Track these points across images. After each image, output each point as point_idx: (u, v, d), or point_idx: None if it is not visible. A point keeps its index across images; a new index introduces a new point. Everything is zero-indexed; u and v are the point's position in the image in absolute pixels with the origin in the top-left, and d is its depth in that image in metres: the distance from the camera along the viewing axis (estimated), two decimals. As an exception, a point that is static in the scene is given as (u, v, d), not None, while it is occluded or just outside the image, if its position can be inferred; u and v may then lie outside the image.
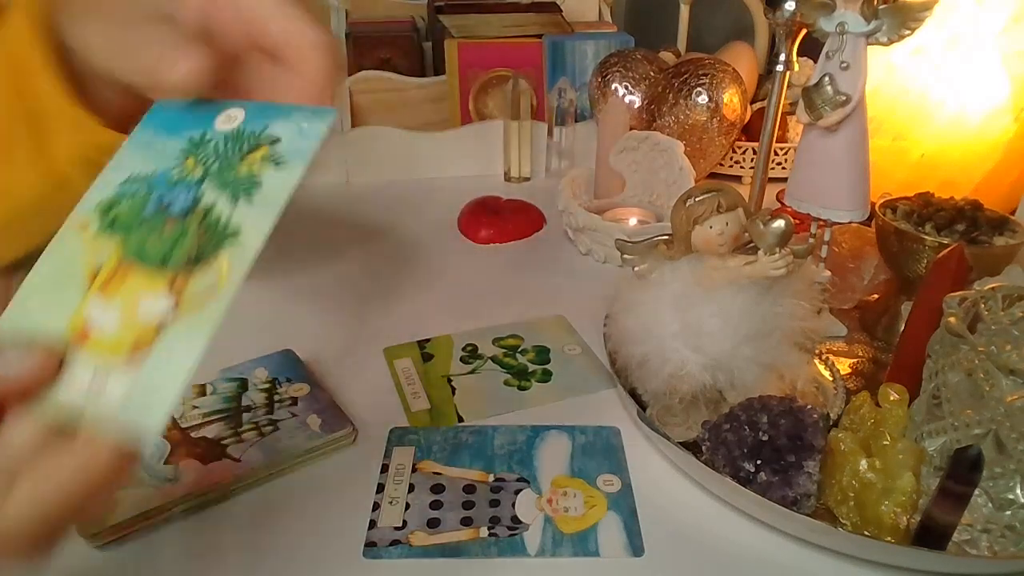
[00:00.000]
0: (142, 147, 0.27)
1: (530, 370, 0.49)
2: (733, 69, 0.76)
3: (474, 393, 0.46)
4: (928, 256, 0.48)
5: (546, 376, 0.48)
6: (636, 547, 0.35)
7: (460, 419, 0.44)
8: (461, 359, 0.50)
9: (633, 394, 0.43)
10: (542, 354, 0.51)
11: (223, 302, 0.23)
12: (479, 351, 0.51)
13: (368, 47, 0.90)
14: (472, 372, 0.49)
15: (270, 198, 0.24)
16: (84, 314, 0.23)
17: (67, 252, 0.25)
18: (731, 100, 0.74)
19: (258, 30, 0.28)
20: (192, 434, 0.41)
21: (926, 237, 0.48)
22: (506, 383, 0.48)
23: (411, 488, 0.39)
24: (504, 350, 0.51)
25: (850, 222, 0.50)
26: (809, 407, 0.37)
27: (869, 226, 0.54)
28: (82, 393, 0.22)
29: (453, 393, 0.46)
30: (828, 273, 0.53)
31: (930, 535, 0.33)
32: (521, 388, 0.47)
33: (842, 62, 0.45)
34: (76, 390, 0.22)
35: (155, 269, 0.24)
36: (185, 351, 0.22)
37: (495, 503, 0.38)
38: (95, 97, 0.32)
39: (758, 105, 0.83)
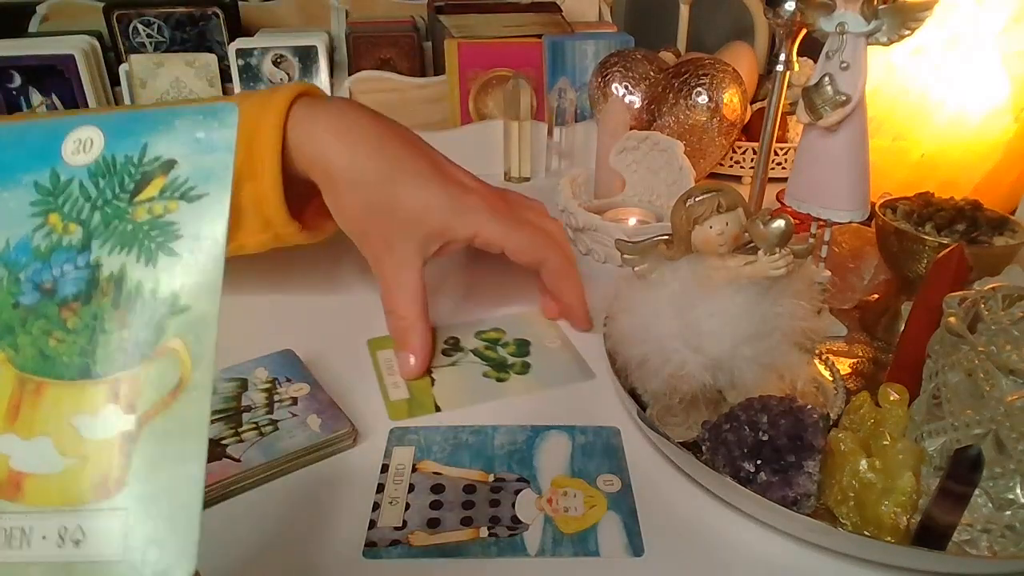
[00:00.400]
0: None
1: (509, 362, 0.50)
2: (733, 69, 0.76)
3: (453, 384, 0.47)
4: (928, 256, 0.48)
5: (524, 368, 0.49)
6: (636, 547, 0.35)
7: (438, 408, 0.45)
8: (443, 351, 0.51)
9: (633, 394, 0.43)
10: (522, 347, 0.52)
11: (199, 391, 0.18)
12: (461, 344, 0.52)
13: (368, 47, 0.90)
14: (452, 364, 0.49)
15: (202, 247, 0.19)
16: (2, 460, 0.18)
17: None
18: (731, 100, 0.74)
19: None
20: (192, 434, 0.40)
21: (926, 237, 0.48)
22: (485, 375, 0.48)
23: (411, 488, 0.39)
24: (485, 343, 0.52)
25: (850, 222, 0.50)
26: (809, 407, 0.37)
27: (869, 226, 0.54)
28: (55, 555, 0.17)
29: (432, 384, 0.47)
30: (828, 273, 0.52)
31: (930, 535, 0.33)
32: (499, 380, 0.48)
33: (842, 62, 0.45)
34: (45, 554, 0.17)
35: (78, 382, 0.18)
36: (177, 460, 0.17)
37: (495, 503, 0.38)
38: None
39: (758, 105, 0.83)
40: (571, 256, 0.50)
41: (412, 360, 0.47)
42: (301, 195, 0.47)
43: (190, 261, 0.19)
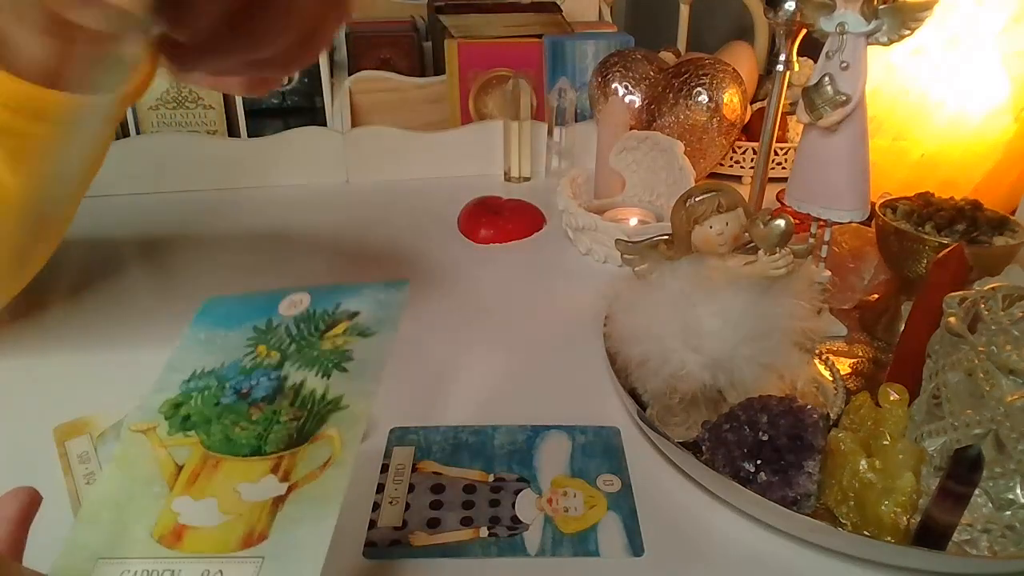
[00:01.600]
0: (200, 344, 0.27)
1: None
2: (733, 69, 0.76)
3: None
4: (928, 256, 0.48)
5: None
6: (636, 547, 0.35)
7: None
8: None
9: (633, 394, 0.43)
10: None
11: (344, 467, 0.22)
12: None
13: (368, 47, 0.90)
14: None
15: (367, 363, 0.25)
16: (172, 516, 0.22)
17: (135, 460, 0.24)
18: (731, 100, 0.74)
19: None
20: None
21: (926, 237, 0.48)
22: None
23: (411, 488, 0.39)
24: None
25: (850, 222, 0.50)
26: (809, 407, 0.37)
27: (869, 226, 0.54)
28: None
29: None
30: (828, 273, 0.52)
31: (930, 535, 0.33)
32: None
33: (842, 62, 0.45)
34: None
35: (250, 458, 0.23)
36: (316, 519, 0.21)
37: (495, 503, 0.38)
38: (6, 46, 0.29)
39: (758, 105, 0.83)
40: None
41: None
42: None
43: (354, 373, 0.25)
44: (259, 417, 0.24)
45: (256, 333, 0.27)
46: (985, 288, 0.38)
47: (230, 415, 0.24)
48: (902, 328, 0.46)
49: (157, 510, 0.22)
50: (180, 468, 0.23)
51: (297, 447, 0.23)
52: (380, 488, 0.39)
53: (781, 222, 0.36)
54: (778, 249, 0.37)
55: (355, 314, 0.26)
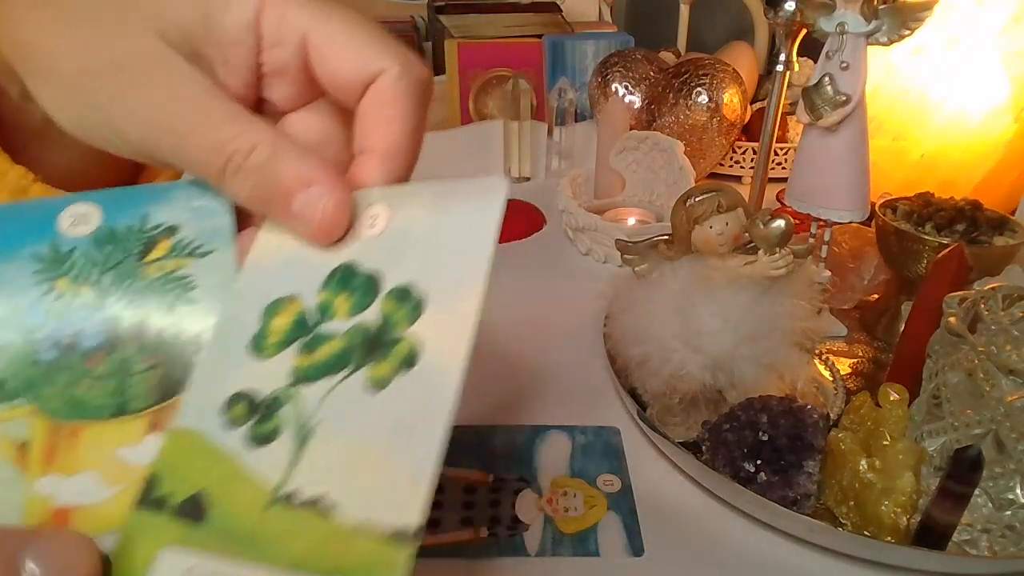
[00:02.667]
0: None
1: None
2: (733, 69, 0.76)
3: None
4: (928, 256, 0.48)
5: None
6: (636, 547, 0.35)
7: None
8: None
9: (633, 394, 0.43)
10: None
11: None
12: None
13: (368, 47, 0.90)
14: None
15: (217, 294, 0.21)
16: (42, 501, 0.19)
17: None
18: (731, 100, 0.74)
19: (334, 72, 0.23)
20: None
21: (926, 237, 0.48)
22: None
23: (411, 488, 0.38)
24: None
25: (850, 222, 0.50)
26: (809, 407, 0.37)
27: (869, 226, 0.54)
28: None
29: None
30: (828, 273, 0.53)
31: (930, 535, 0.33)
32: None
33: (842, 62, 0.45)
34: None
35: (116, 419, 0.20)
36: None
37: (495, 503, 0.38)
38: (46, 149, 0.26)
39: (758, 105, 0.83)
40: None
41: (318, 195, 0.21)
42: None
43: (209, 306, 0.21)
44: (103, 370, 0.20)
45: (41, 264, 0.21)
46: (985, 288, 0.38)
47: (62, 373, 0.20)
48: (902, 328, 0.46)
49: (19, 498, 0.19)
50: (24, 444, 0.19)
51: (174, 397, 0.20)
52: (380, 488, 0.39)
53: (781, 222, 0.36)
54: (778, 249, 0.37)
55: (173, 228, 0.21)
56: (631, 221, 0.67)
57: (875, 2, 0.44)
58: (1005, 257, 0.47)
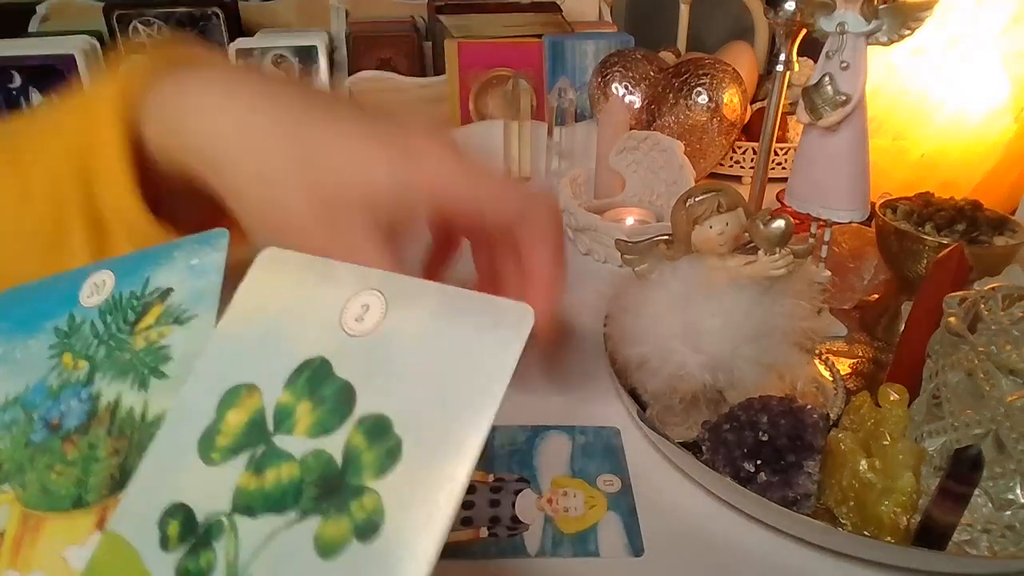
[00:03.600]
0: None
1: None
2: (733, 69, 0.76)
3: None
4: (928, 256, 0.48)
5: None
6: (636, 547, 0.35)
7: None
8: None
9: (633, 394, 0.43)
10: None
11: None
12: None
13: (368, 47, 0.90)
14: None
15: (188, 362, 0.19)
16: None
17: None
18: (731, 100, 0.74)
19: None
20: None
21: (926, 237, 0.48)
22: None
23: (411, 488, 0.38)
24: None
25: (850, 222, 0.50)
26: (809, 407, 0.37)
27: (869, 226, 0.54)
28: None
29: None
30: (828, 273, 0.53)
31: (930, 535, 0.33)
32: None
33: (842, 62, 0.45)
34: None
35: (72, 512, 0.19)
36: None
37: (495, 503, 0.38)
38: (171, 208, 0.28)
39: (758, 105, 0.83)
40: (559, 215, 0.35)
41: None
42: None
43: (176, 382, 0.19)
44: (75, 456, 0.19)
45: (58, 337, 0.21)
46: (985, 288, 0.38)
47: (44, 457, 0.19)
48: (902, 328, 0.46)
49: None
50: (1, 534, 0.19)
51: (121, 491, 0.18)
52: (380, 488, 0.38)
53: (781, 222, 0.36)
54: (778, 249, 0.37)
55: (167, 292, 0.20)
56: (631, 221, 0.67)
57: (875, 2, 0.44)
58: (1005, 257, 0.47)
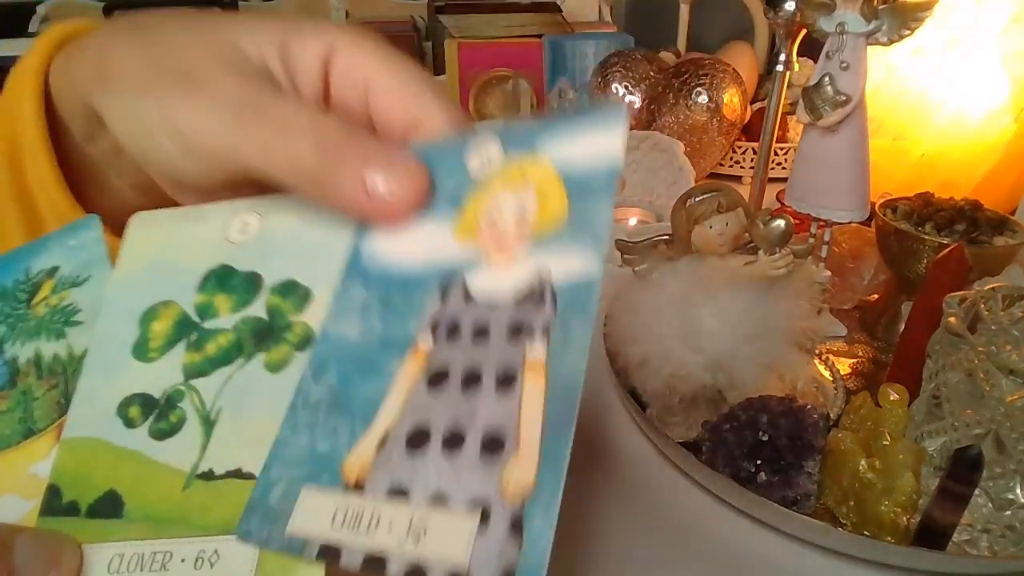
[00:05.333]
0: None
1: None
2: (733, 69, 0.76)
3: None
4: (928, 256, 0.48)
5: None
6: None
7: None
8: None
9: (633, 394, 0.43)
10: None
11: None
12: None
13: (368, 47, 0.90)
14: None
15: (95, 308, 0.22)
16: None
17: None
18: (731, 100, 0.74)
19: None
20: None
21: (926, 237, 0.48)
22: None
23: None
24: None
25: (850, 222, 0.50)
26: (809, 407, 0.37)
27: (869, 226, 0.54)
28: None
29: None
30: (828, 273, 0.52)
31: (930, 535, 0.33)
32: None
33: (842, 62, 0.45)
34: None
35: (24, 442, 0.21)
36: None
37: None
38: (101, 192, 0.27)
39: (758, 105, 0.83)
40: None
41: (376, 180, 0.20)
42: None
43: (88, 324, 0.22)
44: (11, 404, 0.21)
45: None
46: (985, 288, 0.38)
47: None
48: (902, 328, 0.46)
49: None
50: None
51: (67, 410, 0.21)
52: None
53: (781, 222, 0.36)
54: (778, 249, 0.37)
55: (54, 269, 0.23)
56: (631, 221, 0.67)
57: (875, 2, 0.44)
58: (1005, 257, 0.47)
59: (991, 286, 0.38)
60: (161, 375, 0.20)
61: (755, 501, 0.35)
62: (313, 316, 0.20)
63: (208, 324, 0.21)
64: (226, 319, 0.21)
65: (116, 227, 0.27)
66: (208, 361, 0.20)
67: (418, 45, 0.93)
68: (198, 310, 0.21)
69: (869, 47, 0.45)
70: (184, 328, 0.21)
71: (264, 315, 0.21)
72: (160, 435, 0.20)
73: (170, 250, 0.22)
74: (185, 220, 0.23)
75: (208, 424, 0.19)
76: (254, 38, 0.23)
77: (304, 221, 0.22)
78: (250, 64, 0.23)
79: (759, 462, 0.35)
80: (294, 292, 0.21)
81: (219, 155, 0.21)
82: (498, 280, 0.19)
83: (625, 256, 0.41)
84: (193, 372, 0.20)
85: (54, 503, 0.19)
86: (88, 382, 0.21)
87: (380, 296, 0.20)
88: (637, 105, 0.79)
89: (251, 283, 0.21)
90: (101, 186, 0.26)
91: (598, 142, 0.20)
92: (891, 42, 0.45)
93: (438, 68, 0.92)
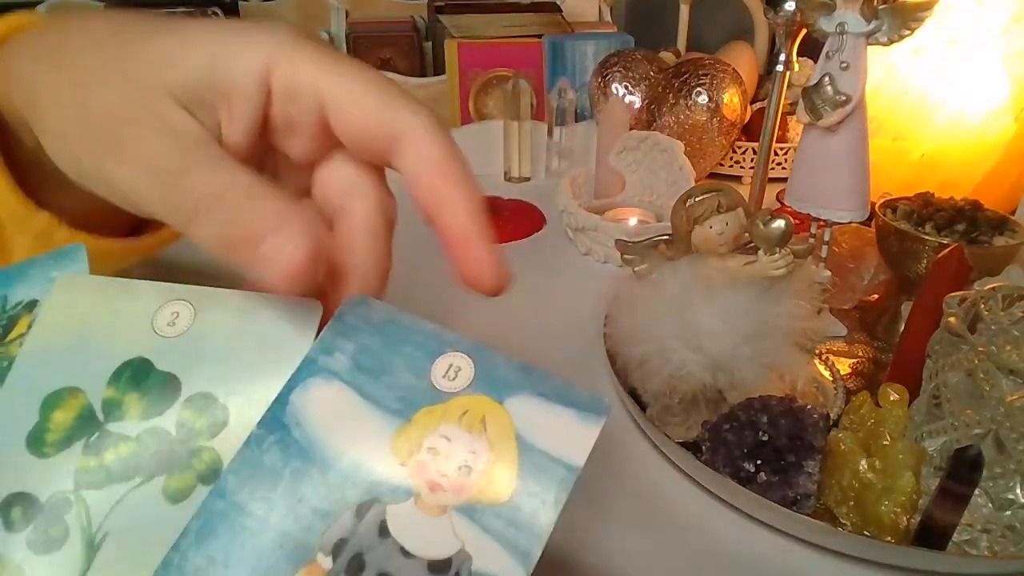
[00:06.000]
0: None
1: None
2: (733, 69, 0.76)
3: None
4: (928, 256, 0.48)
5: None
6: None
7: None
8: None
9: (633, 394, 0.43)
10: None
11: None
12: None
13: (368, 47, 0.90)
14: None
15: None
16: None
17: None
18: (731, 100, 0.74)
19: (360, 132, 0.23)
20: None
21: (926, 237, 0.48)
22: None
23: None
24: None
25: (850, 222, 0.50)
26: (809, 407, 0.37)
27: (869, 226, 0.54)
28: None
29: None
30: (828, 273, 0.52)
31: (930, 535, 0.33)
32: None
33: (842, 62, 0.45)
34: None
35: None
36: None
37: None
38: (59, 190, 0.26)
39: (758, 105, 0.83)
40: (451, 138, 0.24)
41: (286, 239, 0.20)
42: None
43: None
44: None
45: None
46: (985, 288, 0.38)
47: None
48: (902, 328, 0.46)
49: None
50: None
51: None
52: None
53: (781, 222, 0.36)
54: (778, 249, 0.37)
55: (33, 303, 0.21)
56: (631, 221, 0.67)
57: (875, 2, 0.44)
58: (1005, 257, 0.47)
59: (991, 286, 0.38)
60: (50, 476, 0.19)
61: (755, 501, 0.35)
62: (223, 444, 0.19)
63: (112, 426, 0.19)
64: (132, 425, 0.19)
65: (82, 226, 0.28)
66: (104, 471, 0.19)
67: (418, 45, 0.93)
68: (105, 406, 0.19)
69: (869, 47, 0.45)
70: (86, 425, 0.19)
71: (173, 430, 0.19)
72: (38, 548, 0.18)
73: (91, 327, 0.21)
74: (115, 294, 0.21)
75: (91, 548, 0.18)
76: (182, 70, 0.22)
77: (238, 329, 0.20)
78: (176, 121, 0.22)
79: (759, 462, 0.35)
80: (209, 410, 0.19)
81: (147, 211, 0.21)
82: (419, 529, 0.17)
83: (625, 256, 0.41)
84: (85, 481, 0.18)
85: None
86: None
87: (293, 470, 0.18)
88: (637, 105, 0.79)
89: (167, 387, 0.20)
90: (59, 184, 0.25)
91: (570, 432, 0.18)
92: (891, 42, 0.45)
93: (438, 68, 0.92)
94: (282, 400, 0.19)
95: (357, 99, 0.22)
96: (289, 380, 0.19)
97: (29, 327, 0.21)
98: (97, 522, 0.18)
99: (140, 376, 0.20)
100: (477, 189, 0.24)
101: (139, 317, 0.21)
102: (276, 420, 0.19)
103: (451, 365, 0.19)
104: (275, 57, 0.22)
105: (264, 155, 0.24)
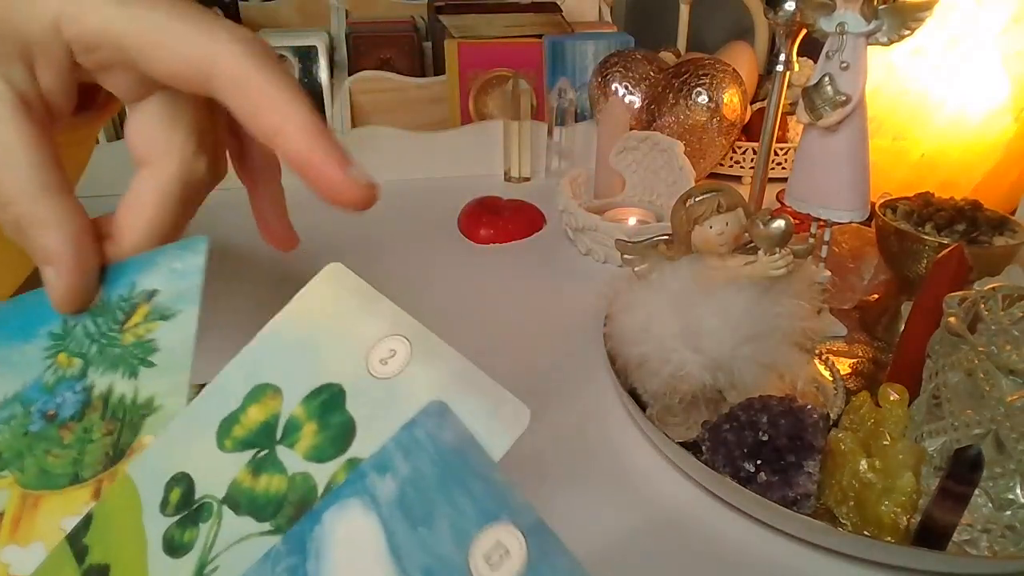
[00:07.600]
0: None
1: None
2: (733, 69, 0.76)
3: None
4: (928, 256, 0.48)
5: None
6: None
7: None
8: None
9: (633, 394, 0.43)
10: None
11: None
12: None
13: (368, 47, 0.90)
14: None
15: (173, 351, 0.21)
16: (2, 569, 0.19)
17: None
18: (731, 100, 0.74)
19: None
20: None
21: (926, 237, 0.48)
22: None
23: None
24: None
25: (850, 222, 0.50)
26: (809, 407, 0.37)
27: (869, 226, 0.54)
28: None
29: None
30: (828, 273, 0.52)
31: (930, 535, 0.33)
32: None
33: (842, 62, 0.45)
34: None
35: (68, 489, 0.20)
36: None
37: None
38: None
39: (758, 105, 0.83)
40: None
41: (53, 276, 0.22)
42: None
43: (162, 367, 0.21)
44: (71, 439, 0.20)
45: (53, 340, 0.22)
46: (985, 288, 0.38)
47: (41, 443, 0.21)
48: (902, 328, 0.46)
49: None
50: (1, 515, 0.20)
51: (115, 465, 0.20)
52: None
53: (781, 222, 0.36)
54: (778, 249, 0.37)
55: (153, 293, 0.22)
56: (631, 221, 0.67)
57: (875, 2, 0.44)
58: (1005, 257, 0.47)
59: (991, 286, 0.38)
60: (216, 472, 0.18)
61: (755, 501, 0.35)
62: (324, 473, 0.17)
63: (281, 450, 0.18)
64: (294, 460, 0.18)
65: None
66: (250, 496, 0.17)
67: (418, 45, 0.93)
68: (287, 424, 0.18)
69: (869, 47, 0.45)
70: (264, 436, 0.18)
71: (320, 489, 0.17)
72: (169, 545, 0.18)
73: (322, 331, 0.20)
74: (359, 301, 0.20)
75: (199, 570, 0.17)
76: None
77: (442, 396, 0.18)
78: None
79: (759, 462, 0.35)
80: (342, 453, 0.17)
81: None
82: None
83: (625, 256, 0.41)
84: (232, 496, 0.18)
85: (78, 536, 0.18)
86: (177, 428, 0.19)
87: None
88: (637, 105, 0.79)
89: (341, 435, 0.18)
90: None
91: None
92: (891, 42, 0.45)
93: (438, 68, 0.92)
94: (316, 515, 0.17)
95: (155, 42, 0.21)
96: (335, 490, 0.17)
97: (145, 317, 0.22)
98: (217, 550, 0.17)
99: (329, 407, 0.18)
100: (306, 106, 0.22)
101: (363, 340, 0.19)
102: (300, 540, 0.17)
103: (498, 543, 0.15)
104: (65, 6, 0.21)
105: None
